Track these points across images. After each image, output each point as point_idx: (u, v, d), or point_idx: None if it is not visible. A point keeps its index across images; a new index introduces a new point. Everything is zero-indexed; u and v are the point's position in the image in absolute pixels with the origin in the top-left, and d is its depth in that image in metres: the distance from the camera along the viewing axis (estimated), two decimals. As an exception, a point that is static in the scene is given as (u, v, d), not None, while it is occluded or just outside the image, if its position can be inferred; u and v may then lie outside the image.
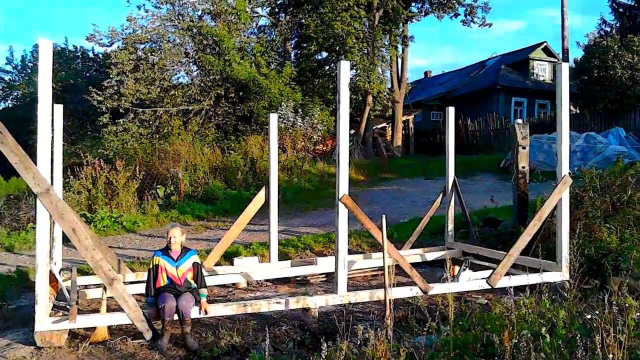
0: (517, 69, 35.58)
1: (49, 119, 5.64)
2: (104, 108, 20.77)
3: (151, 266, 5.99)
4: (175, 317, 5.71)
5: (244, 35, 24.56)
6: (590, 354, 3.84)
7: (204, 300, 5.93)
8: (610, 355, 3.40)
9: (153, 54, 22.06)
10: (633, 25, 30.58)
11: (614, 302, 4.49)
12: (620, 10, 32.92)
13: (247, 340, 5.73)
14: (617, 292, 4.75)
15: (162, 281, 5.89)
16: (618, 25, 33.03)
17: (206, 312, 5.84)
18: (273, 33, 27.54)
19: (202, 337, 5.93)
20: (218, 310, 6.15)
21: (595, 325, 3.83)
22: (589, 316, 4.50)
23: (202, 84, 22.53)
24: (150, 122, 21.74)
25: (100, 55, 31.91)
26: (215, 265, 8.51)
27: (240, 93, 22.41)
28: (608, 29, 33.81)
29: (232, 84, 22.26)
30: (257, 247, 10.13)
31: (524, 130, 9.80)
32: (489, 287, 7.14)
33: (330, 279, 8.45)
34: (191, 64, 23.47)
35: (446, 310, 5.33)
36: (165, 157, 17.57)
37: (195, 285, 6.03)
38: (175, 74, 23.36)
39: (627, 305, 4.31)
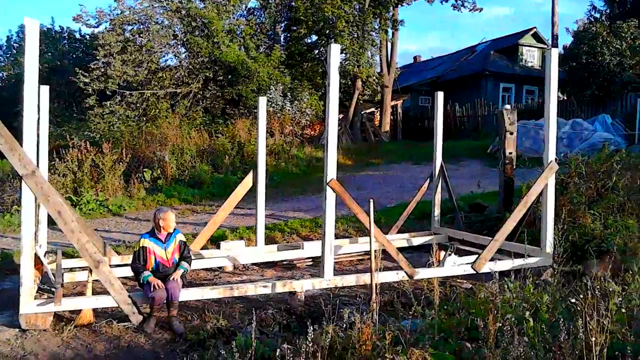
0: (507, 55, 35.59)
1: (35, 101, 5.58)
2: (90, 90, 20.58)
3: (137, 248, 5.96)
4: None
5: (234, 18, 24.38)
6: (572, 338, 3.89)
7: (180, 271, 5.88)
8: (593, 339, 3.44)
9: (141, 35, 21.85)
10: (622, 12, 30.59)
11: (597, 287, 4.55)
12: (610, -4, 32.95)
13: (233, 323, 5.75)
14: (597, 275, 4.81)
15: (150, 265, 5.88)
16: (608, 11, 33.05)
17: (176, 280, 5.75)
18: (262, 15, 27.29)
19: (188, 320, 5.94)
20: (205, 293, 6.15)
21: (578, 309, 3.88)
22: (573, 300, 4.55)
23: (190, 67, 22.35)
24: (138, 105, 21.57)
25: (87, 37, 31.51)
26: (202, 249, 8.50)
27: (229, 76, 22.28)
28: (597, 16, 33.82)
29: (220, 67, 22.11)
30: (243, 231, 10.13)
31: (512, 116, 9.83)
32: (474, 272, 7.20)
33: (316, 263, 8.48)
34: (179, 46, 23.28)
35: (431, 294, 5.39)
36: (152, 140, 17.47)
37: None
38: (163, 56, 23.22)
39: (610, 290, 4.37)
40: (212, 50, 21.61)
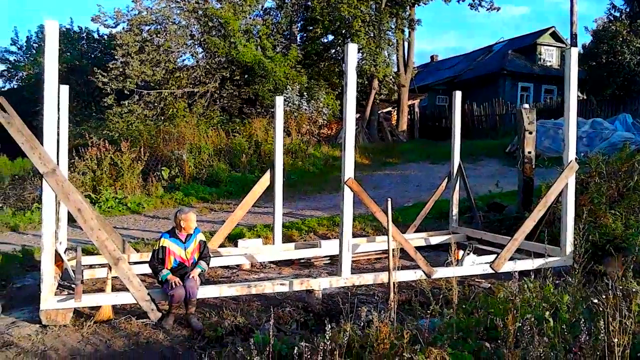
0: (524, 54, 35.28)
1: (55, 100, 5.64)
2: (108, 89, 20.73)
3: (157, 247, 6.00)
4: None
5: (250, 18, 24.39)
6: (593, 339, 3.84)
7: (198, 270, 5.92)
8: (615, 340, 3.40)
9: (158, 35, 21.95)
10: (643, 10, 30.18)
11: (619, 287, 4.49)
12: (630, -6, 32.52)
13: (250, 320, 5.76)
14: (619, 276, 4.75)
15: (169, 264, 5.91)
16: (628, 10, 32.55)
17: (194, 279, 5.79)
18: (279, 15, 27.29)
19: (206, 317, 5.96)
20: (222, 291, 6.17)
21: (600, 309, 3.83)
22: (595, 300, 4.49)
23: (207, 66, 22.43)
24: (155, 104, 21.69)
25: (105, 37, 31.76)
26: (220, 246, 8.54)
27: (246, 76, 22.33)
28: (617, 14, 33.31)
29: (237, 67, 22.16)
30: (261, 229, 10.16)
31: (531, 115, 9.75)
32: (493, 271, 7.14)
33: (334, 261, 8.48)
34: (196, 46, 23.37)
35: (450, 294, 5.36)
36: (170, 139, 17.56)
37: None
38: (181, 56, 23.28)
39: (633, 290, 4.31)
40: (228, 50, 21.67)
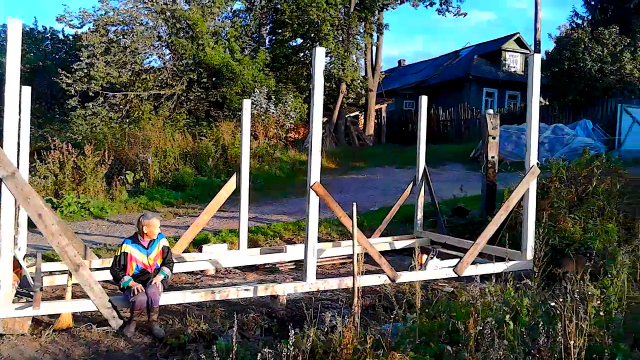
0: (490, 60, 35.86)
1: (17, 101, 5.52)
2: (72, 91, 20.36)
3: (118, 253, 5.91)
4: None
5: (218, 20, 24.29)
6: (551, 341, 3.92)
7: (160, 276, 5.83)
8: (571, 342, 3.47)
9: (125, 36, 21.67)
10: (604, 19, 31.00)
11: (576, 291, 4.59)
12: (592, 3, 33.37)
13: (214, 327, 5.71)
14: (577, 279, 4.86)
15: (131, 270, 5.83)
16: (589, 17, 33.47)
17: (156, 285, 5.71)
18: (248, 18, 27.26)
19: (168, 324, 5.89)
20: (186, 297, 6.11)
21: (557, 312, 3.91)
22: (552, 304, 4.59)
23: (174, 69, 22.23)
24: (121, 107, 21.40)
25: (71, 37, 31.26)
26: (184, 252, 8.45)
27: (214, 78, 22.20)
28: (579, 22, 34.24)
29: (205, 69, 22.01)
30: (226, 234, 10.09)
31: (495, 121, 9.91)
32: (456, 275, 7.23)
33: (299, 266, 8.46)
34: (164, 48, 23.15)
35: (413, 298, 5.39)
36: (135, 142, 17.32)
37: None
38: (147, 57, 23.02)
39: (588, 293, 4.41)
40: (196, 52, 21.52)
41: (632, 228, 7.95)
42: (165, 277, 5.90)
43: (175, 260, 7.38)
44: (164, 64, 22.92)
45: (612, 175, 9.02)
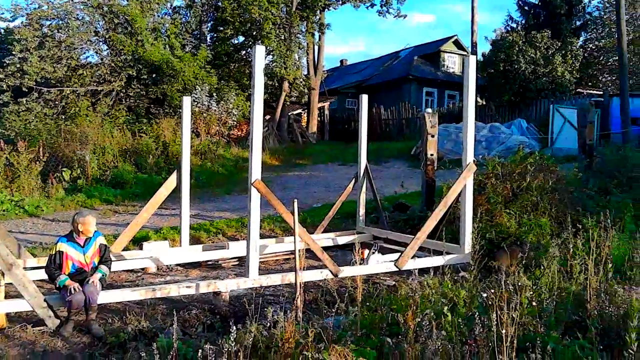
0: (429, 61, 36.66)
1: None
2: (4, 86, 19.55)
3: (53, 252, 5.73)
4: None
5: (158, 16, 23.85)
6: (486, 331, 4.06)
7: (98, 274, 5.69)
8: (503, 331, 3.61)
9: (60, 31, 20.95)
10: (537, 23, 32.21)
11: (510, 282, 4.77)
12: (526, 8, 34.58)
13: (155, 325, 5.63)
14: (512, 271, 5.05)
15: (67, 269, 5.67)
16: (523, 22, 34.68)
17: (94, 284, 5.57)
18: (188, 14, 26.86)
19: (108, 323, 5.77)
20: (125, 295, 6.00)
21: (491, 303, 4.05)
22: (484, 295, 4.75)
23: (112, 64, 21.66)
24: (56, 102, 20.68)
25: (2, 31, 29.95)
26: (124, 250, 8.27)
27: (154, 75, 21.76)
28: (514, 25, 35.44)
29: (144, 65, 21.55)
30: (167, 232, 9.94)
31: (433, 119, 10.13)
32: (397, 269, 7.36)
33: (242, 263, 8.42)
34: (101, 43, 22.53)
35: (355, 292, 5.47)
36: (72, 139, 16.78)
37: None
38: (84, 52, 22.35)
39: (519, 284, 4.59)
40: (135, 48, 21.06)
41: (563, 222, 8.30)
42: (103, 275, 5.77)
43: (114, 259, 7.25)
44: (102, 59, 22.31)
45: (545, 171, 9.36)
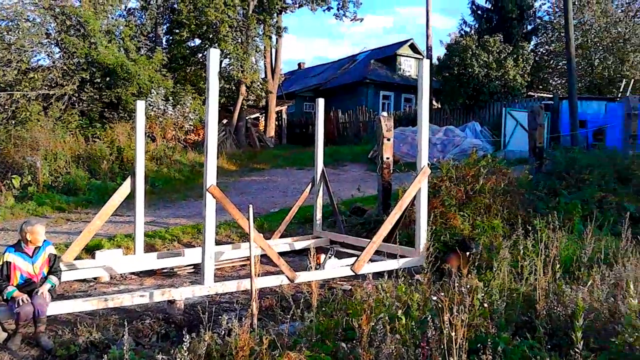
0: (386, 64, 37.02)
1: None
2: (-50, 90, 18.91)
3: (0, 263, 5.56)
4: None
5: (112, 18, 23.43)
6: (439, 333, 4.11)
7: (47, 285, 5.55)
8: (453, 334, 3.67)
9: (10, 33, 20.37)
10: (489, 27, 32.89)
11: (462, 284, 4.85)
12: (479, 12, 35.24)
13: (107, 336, 5.51)
14: (464, 273, 5.14)
15: (15, 280, 5.50)
16: (477, 26, 35.34)
17: (43, 295, 5.43)
18: (143, 17, 26.46)
19: (58, 335, 5.62)
20: (76, 305, 5.86)
21: (439, 306, 4.11)
22: (434, 298, 4.82)
23: (65, 67, 21.14)
24: (6, 107, 20.04)
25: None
26: (76, 259, 8.08)
27: (107, 78, 21.33)
28: (468, 30, 36.07)
29: (98, 69, 21.11)
30: (121, 239, 9.76)
31: (389, 123, 10.23)
32: (353, 273, 7.40)
33: (198, 270, 8.34)
34: (53, 46, 21.95)
35: (311, 297, 5.48)
36: (22, 144, 16.30)
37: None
38: (35, 55, 21.74)
39: (467, 286, 4.67)
40: (88, 50, 20.61)
41: (515, 223, 8.49)
42: (52, 286, 5.63)
43: (66, 268, 7.10)
44: (54, 62, 21.75)
45: (497, 174, 9.56)
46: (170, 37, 27.11)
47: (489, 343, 3.92)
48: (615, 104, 19.84)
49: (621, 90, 26.13)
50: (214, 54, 6.34)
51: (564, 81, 34.05)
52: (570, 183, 10.65)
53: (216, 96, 6.35)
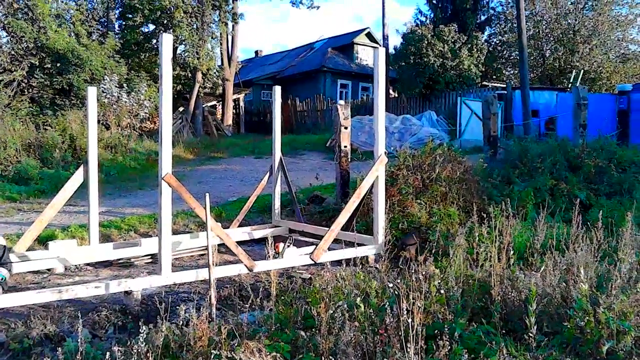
0: (343, 53, 37.07)
1: None
2: None
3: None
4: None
5: (62, 2, 22.81)
6: (396, 320, 4.17)
7: None
8: (410, 320, 3.72)
9: (-48, 16, 19.64)
10: (444, 17, 33.30)
11: (420, 271, 4.92)
12: (434, 2, 35.62)
13: (62, 328, 5.39)
14: (420, 260, 5.22)
15: (-39, 272, 5.34)
16: (432, 16, 35.73)
17: None
18: (94, 1, 25.81)
19: (10, 328, 5.46)
20: (29, 298, 5.71)
21: (399, 293, 4.16)
22: (390, 285, 4.88)
23: (13, 52, 20.48)
24: (-49, 93, 19.39)
25: None
26: (28, 250, 7.86)
27: (58, 64, 20.76)
28: (423, 19, 36.43)
29: (48, 54, 20.53)
30: (76, 230, 9.54)
31: (346, 111, 10.27)
32: (312, 262, 7.43)
33: (155, 260, 8.23)
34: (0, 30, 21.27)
35: (270, 286, 5.48)
36: (-31, 132, 15.80)
37: None
38: (-19, 40, 21.04)
39: (423, 273, 4.74)
40: (37, 35, 20.01)
41: (470, 211, 8.65)
42: (2, 278, 5.47)
43: (18, 259, 6.92)
44: (0, 47, 21.05)
45: (453, 162, 9.70)
46: (123, 23, 26.54)
47: (446, 329, 3.99)
48: (566, 94, 20.37)
49: (571, 80, 26.84)
50: (166, 39, 6.22)
51: (516, 71, 34.77)
52: (523, 171, 10.90)
53: (170, 82, 6.24)
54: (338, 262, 7.00)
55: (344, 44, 37.46)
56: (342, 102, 11.39)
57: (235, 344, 3.93)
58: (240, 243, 7.31)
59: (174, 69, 22.02)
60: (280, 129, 10.29)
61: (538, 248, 6.26)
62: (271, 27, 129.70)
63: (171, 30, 23.06)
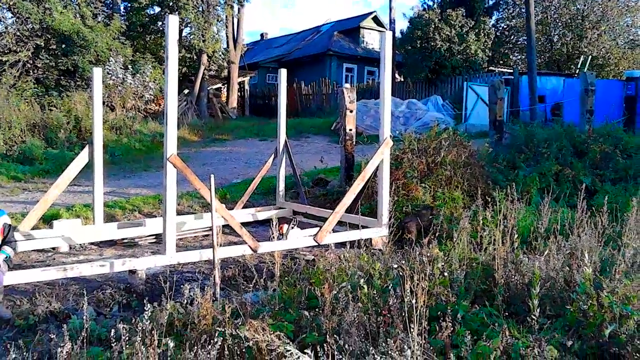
0: (349, 36, 36.84)
1: None
2: None
3: (-47, 233, 5.40)
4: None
5: (67, -18, 22.66)
6: (400, 302, 4.18)
7: (2, 256, 5.37)
8: (414, 301, 3.73)
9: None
10: (452, 1, 32.95)
11: (423, 254, 4.93)
12: (442, -15, 35.28)
13: (67, 305, 5.44)
14: (424, 243, 5.22)
15: (-32, 252, 5.35)
16: (439, 0, 35.41)
17: None
18: (100, -18, 25.68)
19: (16, 305, 5.52)
20: (35, 275, 5.75)
21: (403, 274, 4.17)
22: (395, 266, 4.89)
23: (18, 33, 20.42)
24: (-44, 73, 19.36)
25: None
26: (33, 229, 7.90)
27: (63, 45, 20.69)
28: (431, 3, 36.10)
29: (53, 35, 20.46)
30: (80, 209, 9.58)
31: (352, 95, 10.24)
32: (316, 243, 7.45)
33: (160, 240, 8.26)
34: (5, 11, 21.16)
35: (274, 267, 5.50)
36: (-26, 112, 15.81)
37: None
38: (-14, 21, 20.97)
39: (431, 256, 4.75)
40: (43, 16, 19.93)
41: (475, 195, 8.65)
42: (7, 257, 5.48)
43: (23, 238, 6.96)
44: (6, 28, 20.98)
45: (458, 147, 9.69)
46: (129, 4, 26.38)
47: (449, 310, 4.00)
48: (573, 80, 20.22)
49: (579, 66, 26.63)
50: (172, 21, 6.20)
51: (524, 57, 34.50)
52: (528, 156, 10.87)
53: (175, 64, 6.23)
54: (342, 244, 7.02)
55: (351, 28, 37.24)
56: (347, 85, 11.36)
57: (239, 323, 3.95)
58: (244, 224, 7.32)
59: (179, 51, 21.92)
60: (286, 112, 10.27)
61: (542, 232, 6.26)
62: (278, 12, 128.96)
63: (177, 12, 22.92)
